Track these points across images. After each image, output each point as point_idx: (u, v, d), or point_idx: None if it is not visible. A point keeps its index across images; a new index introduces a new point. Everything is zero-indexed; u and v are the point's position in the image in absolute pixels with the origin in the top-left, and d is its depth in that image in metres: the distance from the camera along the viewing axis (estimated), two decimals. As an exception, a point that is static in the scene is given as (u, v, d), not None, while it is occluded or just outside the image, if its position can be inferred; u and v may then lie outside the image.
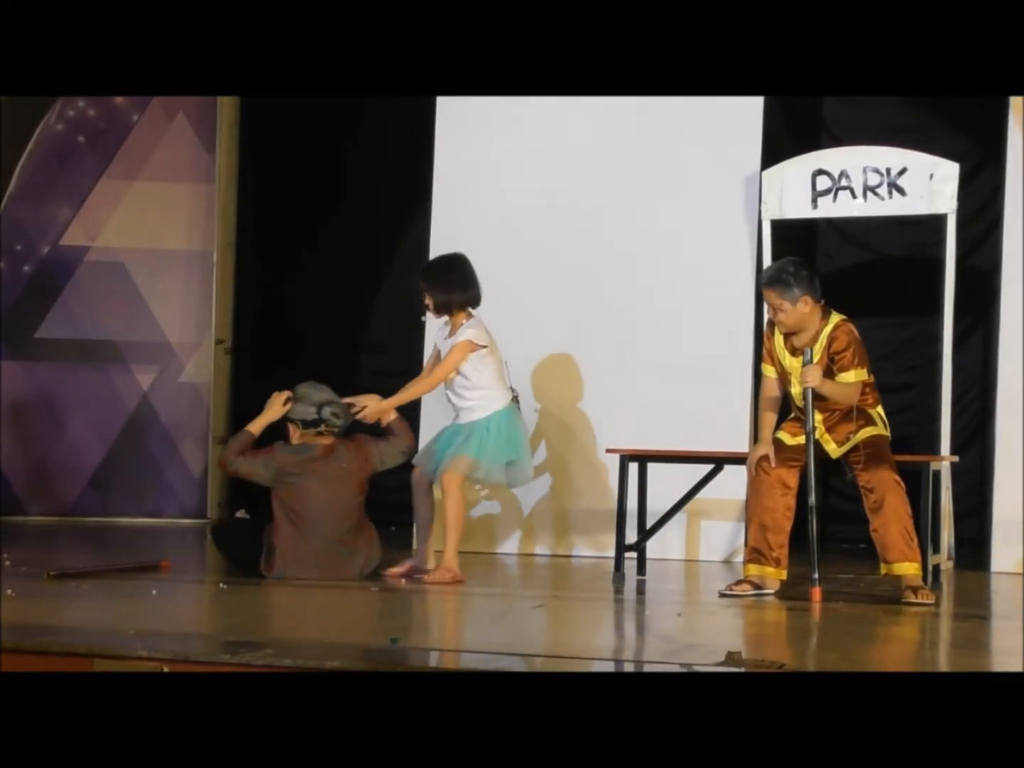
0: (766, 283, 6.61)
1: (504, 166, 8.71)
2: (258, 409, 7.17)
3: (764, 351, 6.78)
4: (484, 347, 7.01)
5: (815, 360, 6.49)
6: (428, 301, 7.06)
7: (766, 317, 7.13)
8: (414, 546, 7.41)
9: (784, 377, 6.64)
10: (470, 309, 7.08)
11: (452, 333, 7.09)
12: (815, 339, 6.55)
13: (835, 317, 6.57)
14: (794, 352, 6.58)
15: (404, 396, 7.17)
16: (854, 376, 6.49)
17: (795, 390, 6.57)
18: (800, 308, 6.50)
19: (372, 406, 7.05)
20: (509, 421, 7.09)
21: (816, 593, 6.37)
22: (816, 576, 6.40)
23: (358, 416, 7.05)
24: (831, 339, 6.52)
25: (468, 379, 7.04)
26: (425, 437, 8.47)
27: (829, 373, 6.51)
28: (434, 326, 7.64)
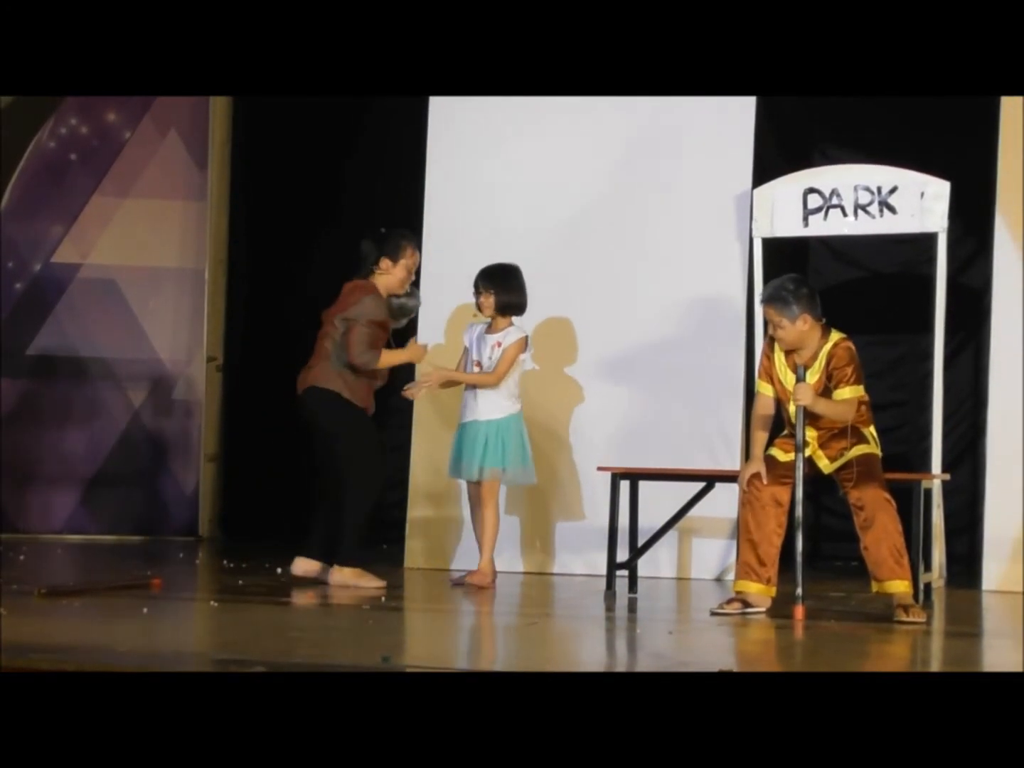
0: (765, 299, 6.62)
1: (495, 180, 8.72)
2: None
3: (761, 368, 6.77)
4: (525, 352, 7.56)
5: (813, 379, 6.50)
6: (487, 300, 7.50)
7: (759, 334, 7.15)
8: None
9: (784, 395, 6.63)
10: (513, 317, 7.59)
11: (495, 331, 7.56)
12: (815, 357, 6.55)
13: (835, 335, 6.57)
14: (796, 370, 6.57)
15: (466, 378, 7.58)
16: (850, 392, 6.49)
17: (793, 408, 6.56)
18: (799, 326, 6.51)
19: (436, 372, 7.64)
20: (521, 427, 7.54)
21: (799, 611, 6.34)
22: (800, 593, 6.37)
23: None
24: (830, 356, 6.52)
25: (507, 379, 7.52)
26: (421, 440, 8.53)
27: (828, 392, 6.51)
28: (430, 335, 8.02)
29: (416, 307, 7.66)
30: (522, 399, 7.62)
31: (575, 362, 8.51)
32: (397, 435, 9.20)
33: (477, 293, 7.57)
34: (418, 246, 7.64)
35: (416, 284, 7.66)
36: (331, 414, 7.32)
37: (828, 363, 6.53)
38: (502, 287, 7.54)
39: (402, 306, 7.55)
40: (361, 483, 7.26)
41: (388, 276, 7.44)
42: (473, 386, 7.58)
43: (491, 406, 7.51)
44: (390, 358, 7.42)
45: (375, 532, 7.78)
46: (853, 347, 6.56)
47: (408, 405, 8.84)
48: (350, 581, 7.25)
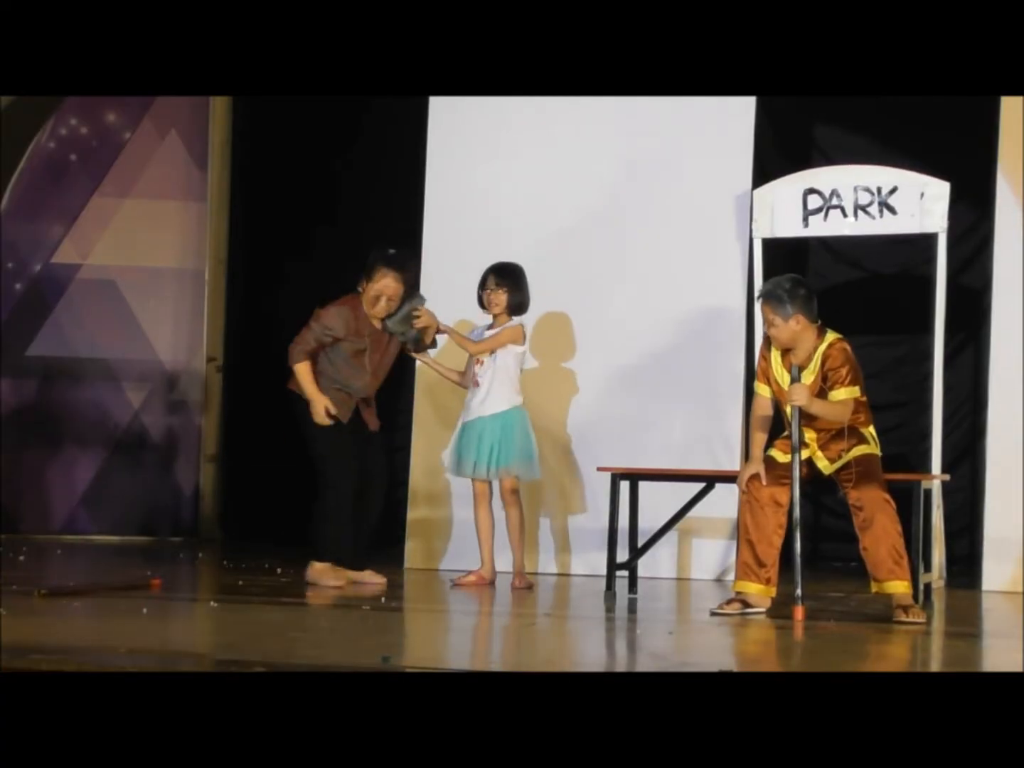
0: (761, 296, 6.63)
1: (495, 181, 8.73)
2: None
3: (758, 369, 6.77)
4: (524, 345, 7.61)
5: (808, 380, 6.50)
6: (498, 298, 7.51)
7: (759, 335, 7.13)
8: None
9: (781, 396, 6.63)
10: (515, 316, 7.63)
11: (496, 328, 7.58)
12: (810, 358, 6.55)
13: (830, 335, 6.57)
14: (791, 370, 6.57)
15: (457, 336, 7.61)
16: (845, 393, 6.48)
17: (789, 408, 6.56)
18: (791, 325, 6.50)
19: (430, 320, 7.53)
20: (525, 421, 7.58)
21: (799, 612, 6.34)
22: (799, 593, 6.37)
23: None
24: (825, 357, 6.52)
25: (508, 373, 7.53)
26: (421, 440, 8.54)
27: (823, 392, 6.51)
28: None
29: (411, 310, 7.45)
30: (523, 395, 7.61)
31: (574, 363, 8.51)
32: (397, 435, 9.20)
33: (484, 290, 7.56)
34: (400, 271, 7.40)
35: (416, 287, 7.61)
36: (303, 418, 7.41)
37: (823, 364, 6.52)
38: (515, 286, 7.55)
39: (398, 322, 7.46)
40: (332, 485, 7.35)
41: (365, 296, 7.45)
42: (468, 383, 7.59)
43: (495, 402, 7.51)
44: (305, 380, 7.32)
45: (377, 532, 7.77)
46: (849, 348, 6.55)
47: (408, 406, 8.85)
48: (318, 577, 7.36)
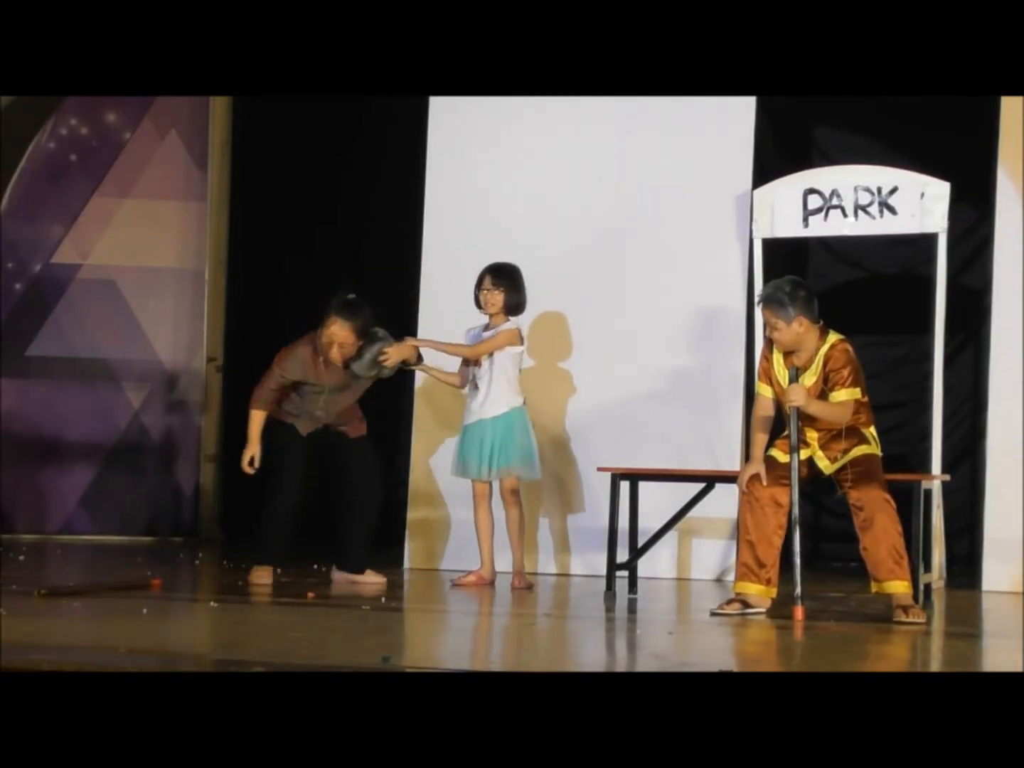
0: (762, 300, 6.62)
1: (495, 181, 8.73)
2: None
3: (760, 370, 6.76)
4: (521, 346, 7.60)
5: (810, 381, 6.50)
6: (495, 298, 7.51)
7: (759, 335, 7.12)
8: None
9: (783, 396, 6.63)
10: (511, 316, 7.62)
11: (492, 329, 7.57)
12: (812, 359, 6.55)
13: (832, 336, 6.57)
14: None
15: (441, 345, 7.63)
16: (846, 395, 6.48)
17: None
18: (794, 328, 6.50)
19: (397, 349, 7.50)
20: (525, 421, 7.58)
21: (799, 612, 6.34)
22: (799, 593, 6.37)
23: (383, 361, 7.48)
24: (827, 358, 6.52)
25: (507, 374, 7.51)
26: (421, 441, 8.53)
27: (825, 394, 6.51)
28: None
29: (376, 354, 7.41)
30: (523, 395, 7.60)
31: (574, 362, 8.51)
32: (398, 436, 9.20)
33: (481, 289, 7.55)
34: (348, 319, 7.31)
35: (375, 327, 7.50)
36: (272, 430, 7.65)
37: (825, 365, 6.52)
38: (512, 286, 7.55)
39: (365, 368, 7.45)
40: (268, 499, 7.59)
41: (320, 342, 7.47)
42: (466, 383, 7.59)
43: (495, 404, 7.51)
44: (251, 425, 7.59)
45: (377, 532, 7.77)
46: (851, 349, 6.55)
47: (409, 407, 8.84)
48: (251, 578, 7.51)
